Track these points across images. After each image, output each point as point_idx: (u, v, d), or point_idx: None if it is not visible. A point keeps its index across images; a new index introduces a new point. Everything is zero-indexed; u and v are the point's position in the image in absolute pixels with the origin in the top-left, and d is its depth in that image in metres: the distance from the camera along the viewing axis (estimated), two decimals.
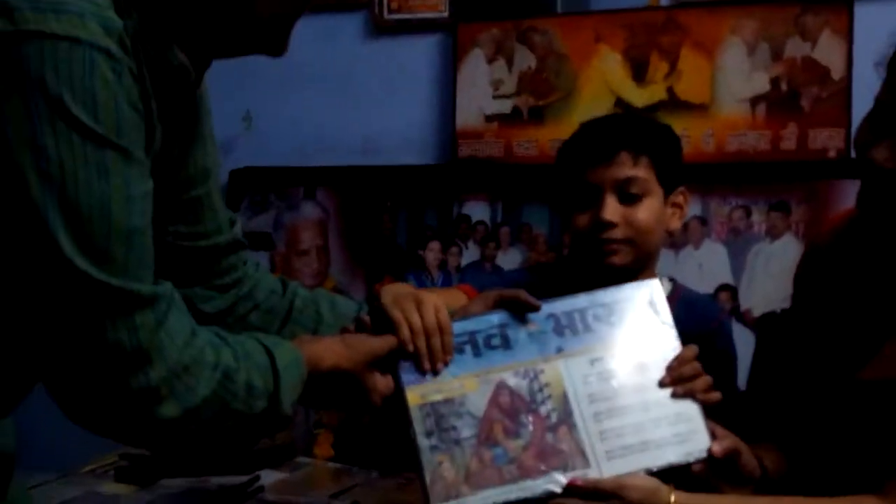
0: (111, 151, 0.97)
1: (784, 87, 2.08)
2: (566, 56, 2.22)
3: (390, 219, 2.37)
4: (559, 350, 1.33)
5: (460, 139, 2.31)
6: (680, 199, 1.60)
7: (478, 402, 1.30)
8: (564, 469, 1.27)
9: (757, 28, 2.09)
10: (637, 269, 1.53)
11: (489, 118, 2.28)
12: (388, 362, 1.28)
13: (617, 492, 1.25)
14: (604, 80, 2.19)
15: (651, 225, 1.55)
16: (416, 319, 1.30)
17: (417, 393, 1.29)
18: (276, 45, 1.21)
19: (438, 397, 1.29)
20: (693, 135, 2.11)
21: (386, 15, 2.38)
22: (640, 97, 2.17)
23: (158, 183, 1.09)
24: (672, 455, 1.29)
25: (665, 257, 1.92)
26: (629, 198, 1.53)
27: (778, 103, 2.08)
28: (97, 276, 0.97)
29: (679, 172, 1.60)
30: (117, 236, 0.98)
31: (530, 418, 1.29)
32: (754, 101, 2.10)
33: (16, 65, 0.93)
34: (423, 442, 1.27)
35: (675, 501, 1.26)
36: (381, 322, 1.31)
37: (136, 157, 1.01)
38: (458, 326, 1.33)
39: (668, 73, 2.15)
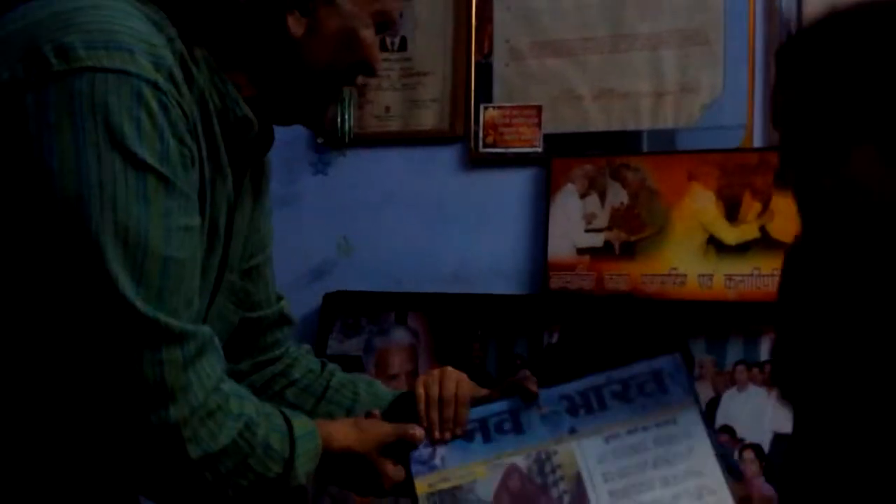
0: (152, 177, 1.00)
1: None
2: (658, 193, 2.25)
3: (480, 347, 2.38)
4: (572, 430, 1.30)
5: (552, 271, 2.33)
6: None
7: (487, 488, 1.28)
8: None
9: None
10: None
11: (581, 251, 2.31)
12: (400, 451, 1.29)
13: None
14: (696, 218, 2.21)
15: None
16: (434, 391, 1.32)
17: (426, 482, 1.28)
18: (318, 111, 1.22)
19: (447, 485, 1.28)
20: None
21: (481, 148, 2.44)
22: (732, 235, 2.17)
23: (230, 244, 1.13)
24: None
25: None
26: None
27: None
28: (132, 300, 0.97)
29: None
30: (152, 261, 0.99)
31: (542, 502, 1.27)
32: None
33: (69, 98, 0.97)
34: None
35: None
36: (409, 403, 1.34)
37: (179, 188, 1.02)
38: (471, 413, 1.32)
39: (760, 212, 2.16)
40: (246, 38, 1.14)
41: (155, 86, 1.01)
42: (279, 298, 1.42)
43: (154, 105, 1.00)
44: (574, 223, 2.31)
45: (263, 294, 1.38)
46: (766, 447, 2.03)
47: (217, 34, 1.13)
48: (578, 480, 1.27)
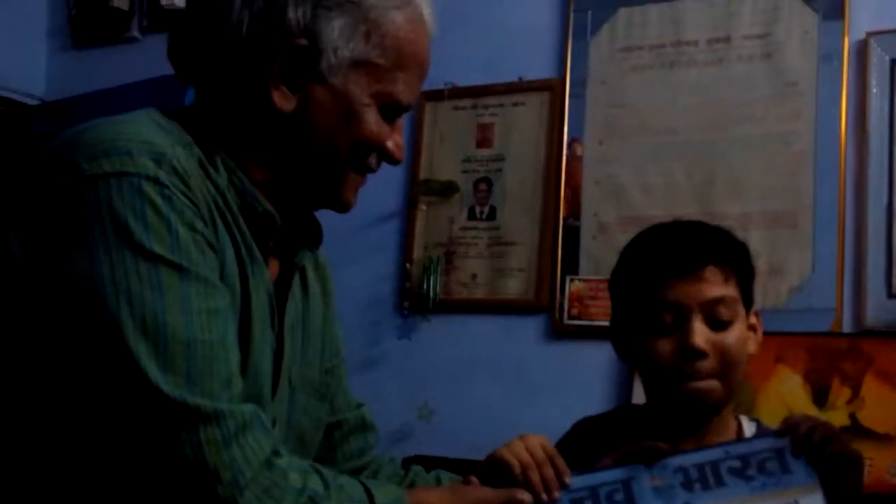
0: (164, 267, 1.02)
1: None
2: (746, 374, 2.21)
3: None
4: None
5: None
6: (754, 319, 1.38)
7: None
8: None
9: None
10: (723, 405, 1.35)
11: None
12: None
13: None
14: (783, 401, 2.16)
15: (741, 354, 1.32)
16: (525, 455, 1.25)
17: None
18: (332, 189, 1.22)
19: None
20: (877, 465, 2.03)
21: (566, 320, 2.45)
22: None
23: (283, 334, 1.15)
24: None
25: None
26: (718, 323, 1.31)
27: None
28: (160, 386, 0.99)
29: (753, 290, 1.40)
30: (175, 346, 1.01)
31: None
32: None
33: (77, 208, 1.03)
34: None
35: None
36: (493, 474, 1.26)
37: (194, 273, 1.04)
38: (580, 481, 1.25)
39: (850, 398, 2.11)
40: (240, 120, 1.17)
41: (156, 181, 1.05)
42: (359, 405, 1.43)
43: (157, 199, 1.04)
44: None
45: (341, 398, 1.39)
46: None
47: (230, 133, 1.17)
48: None
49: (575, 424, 1.52)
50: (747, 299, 1.35)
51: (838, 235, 2.22)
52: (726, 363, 1.30)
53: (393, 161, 1.24)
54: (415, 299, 2.61)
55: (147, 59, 2.96)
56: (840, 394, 2.11)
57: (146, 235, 1.03)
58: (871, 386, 2.09)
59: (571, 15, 2.58)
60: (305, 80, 1.16)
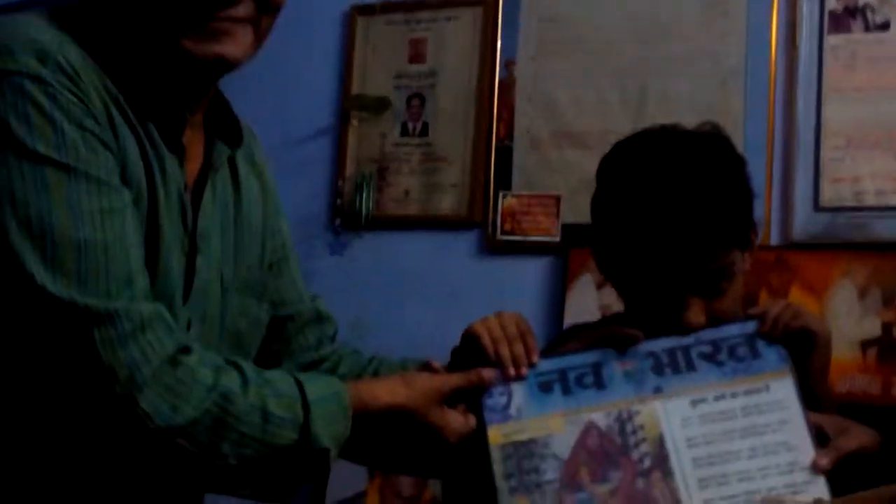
0: (50, 168, 1.01)
1: None
2: None
3: None
4: (657, 390, 1.22)
5: None
6: (752, 238, 1.36)
7: (564, 443, 1.21)
8: None
9: (869, 273, 2.09)
10: None
11: None
12: (470, 400, 1.23)
13: None
14: None
15: (738, 303, 1.31)
16: (497, 330, 1.26)
17: (500, 432, 1.22)
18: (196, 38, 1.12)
19: (522, 437, 1.21)
20: None
21: (499, 235, 2.45)
22: None
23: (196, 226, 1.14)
24: None
25: None
26: (716, 292, 1.28)
27: (890, 348, 2.05)
28: (48, 288, 0.99)
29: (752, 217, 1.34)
30: (64, 248, 1.00)
31: (620, 462, 1.19)
32: (865, 344, 2.07)
33: None
34: (503, 484, 1.19)
35: None
36: (467, 351, 1.27)
37: (84, 172, 1.03)
38: (548, 364, 1.25)
39: None
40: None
41: (39, 79, 1.02)
42: (313, 298, 1.41)
43: (40, 97, 1.01)
44: (590, 314, 2.30)
45: (292, 291, 1.37)
46: None
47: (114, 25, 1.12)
48: (661, 443, 1.20)
49: (565, 329, 1.52)
50: (745, 239, 1.31)
51: (767, 151, 2.24)
52: (720, 317, 1.27)
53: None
54: (347, 215, 2.59)
55: None
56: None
57: (29, 136, 1.00)
58: (796, 296, 2.13)
59: None
60: None
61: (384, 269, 2.56)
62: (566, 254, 2.36)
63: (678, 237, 1.24)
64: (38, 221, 1.00)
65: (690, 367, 1.24)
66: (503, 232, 2.45)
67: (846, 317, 2.10)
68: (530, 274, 2.42)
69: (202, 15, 1.10)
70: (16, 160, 1.00)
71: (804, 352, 1.26)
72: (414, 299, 2.52)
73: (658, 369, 1.24)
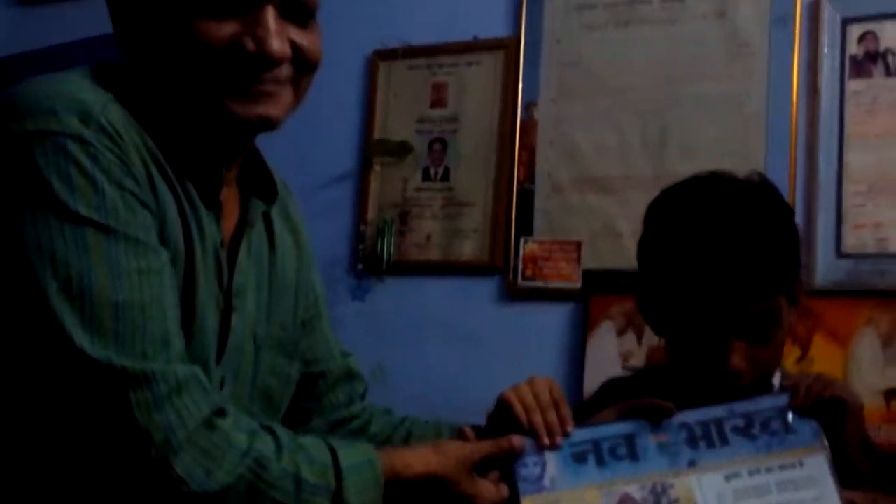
0: (90, 228, 1.01)
1: None
2: None
3: None
4: (692, 463, 1.22)
5: None
6: (798, 290, 1.37)
7: None
8: None
9: (892, 321, 2.07)
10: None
11: None
12: (503, 468, 1.22)
13: None
14: None
15: (780, 356, 1.33)
16: (529, 398, 1.25)
17: (535, 503, 1.20)
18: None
19: None
20: None
21: (520, 281, 2.45)
22: None
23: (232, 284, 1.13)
24: None
25: None
26: (761, 338, 1.29)
27: None
28: (90, 352, 0.99)
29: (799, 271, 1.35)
30: (102, 309, 1.00)
31: None
32: (889, 394, 2.05)
33: (2, 170, 1.02)
34: None
35: None
36: (500, 417, 1.26)
37: (123, 233, 1.03)
38: (582, 434, 1.25)
39: (800, 357, 2.13)
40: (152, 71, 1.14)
41: (80, 139, 1.03)
42: (345, 355, 1.41)
43: (82, 158, 1.02)
44: (610, 360, 2.30)
45: (323, 348, 1.38)
46: None
47: (152, 87, 1.13)
48: None
49: (602, 385, 1.52)
50: (791, 290, 1.32)
51: (789, 196, 2.23)
52: (764, 371, 1.29)
53: (263, 52, 1.11)
54: (369, 260, 2.60)
55: (93, 16, 2.89)
56: (790, 353, 2.14)
57: (71, 196, 1.01)
58: (819, 345, 2.12)
59: None
60: None
61: (405, 314, 2.56)
62: (587, 300, 2.36)
63: (726, 275, 1.25)
64: (78, 282, 1.00)
65: (724, 440, 1.24)
66: (524, 278, 2.44)
67: (869, 366, 2.08)
68: (551, 320, 2.41)
69: (247, 78, 1.12)
70: (57, 221, 1.01)
71: (837, 422, 1.26)
72: (435, 344, 2.52)
73: (692, 442, 1.25)
